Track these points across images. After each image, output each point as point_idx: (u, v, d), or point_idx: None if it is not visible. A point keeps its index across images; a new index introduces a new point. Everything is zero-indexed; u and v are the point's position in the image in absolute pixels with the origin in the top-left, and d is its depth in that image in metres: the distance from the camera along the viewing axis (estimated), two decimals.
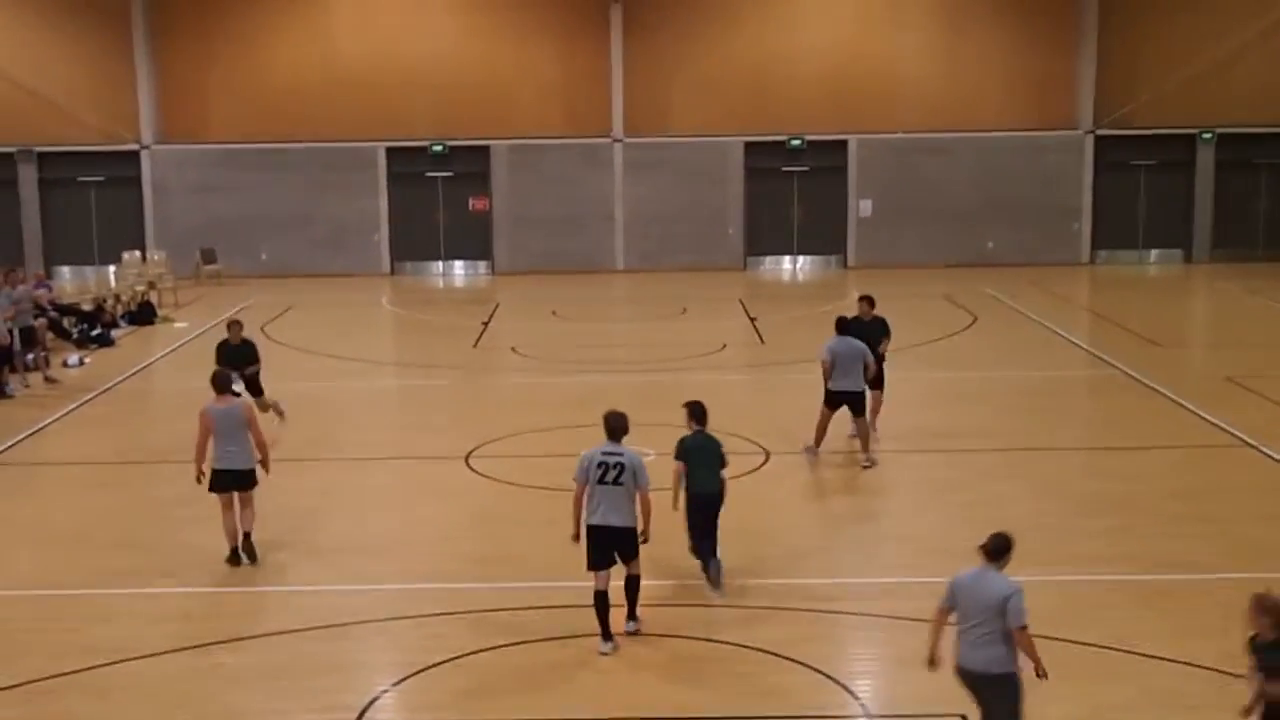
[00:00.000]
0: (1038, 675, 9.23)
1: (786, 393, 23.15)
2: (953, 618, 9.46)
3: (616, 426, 12.38)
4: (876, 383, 18.75)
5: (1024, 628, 9.11)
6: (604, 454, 12.14)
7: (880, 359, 18.61)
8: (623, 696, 11.19)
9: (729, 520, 15.82)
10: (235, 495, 14.16)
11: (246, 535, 14.23)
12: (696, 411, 14.02)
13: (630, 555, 12.15)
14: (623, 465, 12.04)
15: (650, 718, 10.77)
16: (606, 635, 11.91)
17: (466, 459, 18.51)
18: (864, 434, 17.91)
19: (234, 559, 14.11)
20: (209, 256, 37.97)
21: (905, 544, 14.89)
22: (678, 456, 13.65)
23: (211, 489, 14.18)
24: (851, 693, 11.19)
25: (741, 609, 12.97)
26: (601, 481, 12.01)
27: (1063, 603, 13.02)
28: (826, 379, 17.74)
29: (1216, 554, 14.29)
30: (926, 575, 13.83)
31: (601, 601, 11.88)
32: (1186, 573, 13.82)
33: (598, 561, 11.99)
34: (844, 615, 12.98)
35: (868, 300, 19.74)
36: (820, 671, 11.50)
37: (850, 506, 16.57)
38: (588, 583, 12.26)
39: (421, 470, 18.40)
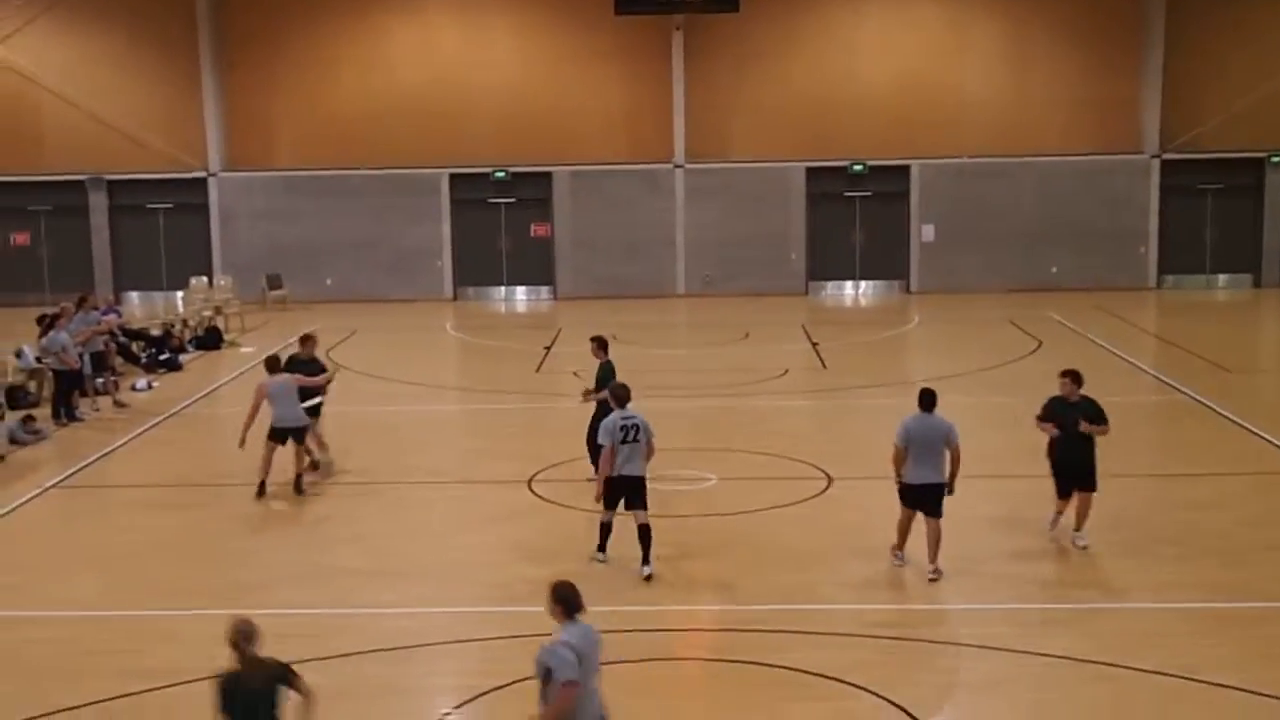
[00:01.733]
0: None
1: (848, 418, 23.07)
2: None
3: (624, 396, 14.95)
4: (1087, 480, 15.39)
5: None
6: (623, 419, 14.56)
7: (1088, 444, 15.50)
8: (705, 715, 11.16)
9: (793, 543, 15.79)
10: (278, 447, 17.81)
11: (299, 476, 18.07)
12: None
13: (641, 504, 14.51)
14: (638, 426, 14.58)
15: None
16: (602, 549, 14.90)
17: (529, 483, 18.56)
18: (933, 539, 14.51)
19: (261, 492, 17.69)
20: (275, 282, 38.34)
21: (966, 571, 14.76)
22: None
23: (268, 438, 17.90)
24: (914, 718, 11.09)
25: (803, 634, 12.91)
26: (624, 441, 14.42)
27: (1131, 630, 12.88)
28: (897, 468, 14.66)
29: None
30: (990, 603, 13.75)
31: (606, 529, 14.83)
32: (1256, 600, 13.63)
33: (612, 504, 14.66)
34: (906, 641, 12.88)
35: (1072, 377, 15.92)
36: (882, 697, 11.42)
37: (915, 533, 16.43)
38: (649, 606, 12.24)
39: (485, 494, 18.46)
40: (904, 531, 14.79)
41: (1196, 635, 12.78)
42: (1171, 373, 25.94)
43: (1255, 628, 13.00)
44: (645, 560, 14.44)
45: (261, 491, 17.73)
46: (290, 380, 18.23)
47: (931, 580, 14.29)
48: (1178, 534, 15.86)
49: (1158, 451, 21.17)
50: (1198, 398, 23.09)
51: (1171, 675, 11.75)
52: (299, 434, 18.08)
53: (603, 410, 16.12)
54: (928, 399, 14.69)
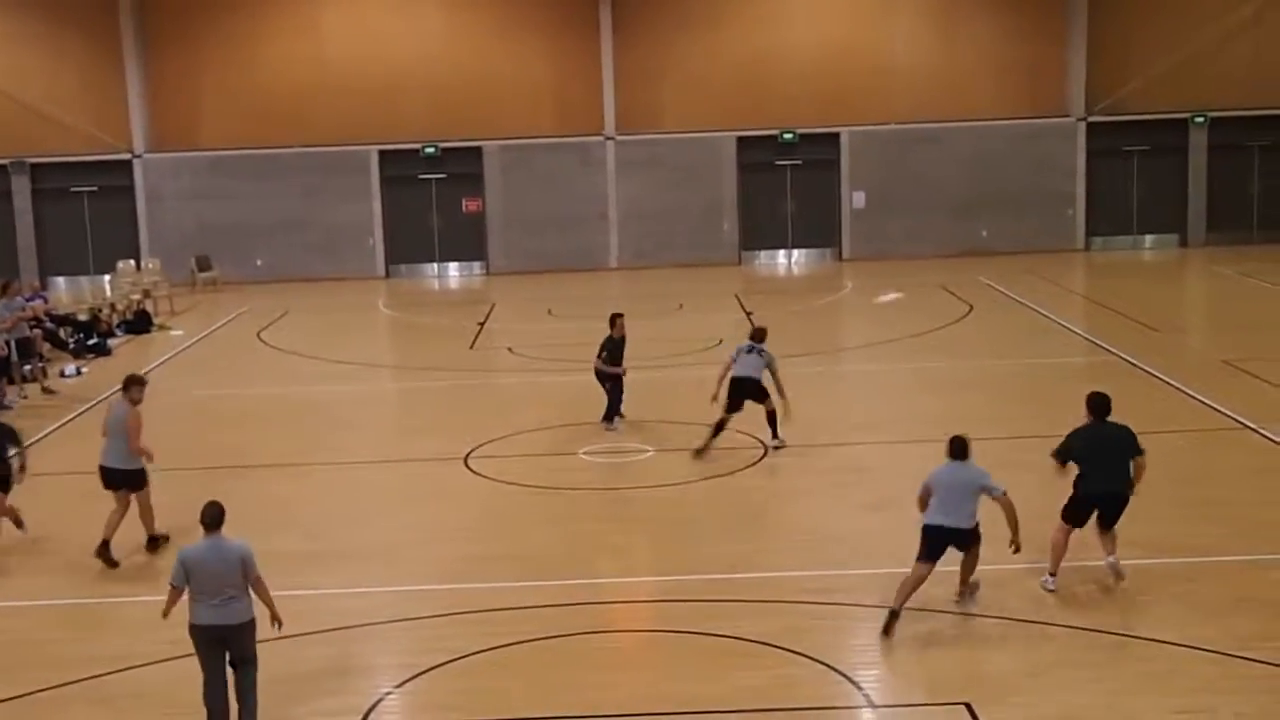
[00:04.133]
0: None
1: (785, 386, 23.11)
2: None
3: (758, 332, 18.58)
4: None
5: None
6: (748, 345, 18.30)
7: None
8: (626, 692, 11.17)
9: (731, 513, 15.84)
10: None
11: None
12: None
13: (759, 397, 18.18)
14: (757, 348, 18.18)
15: (655, 713, 10.74)
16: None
17: (465, 460, 18.49)
18: (967, 567, 12.98)
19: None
20: (204, 264, 37.93)
21: (906, 535, 14.84)
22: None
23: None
24: (855, 683, 11.17)
25: (744, 602, 12.95)
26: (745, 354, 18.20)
27: (1068, 589, 13.01)
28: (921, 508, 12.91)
29: (1221, 537, 14.28)
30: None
31: (720, 426, 17.98)
32: (1191, 556, 13.81)
33: (733, 406, 18.03)
34: (847, 607, 12.95)
35: (1099, 400, 14.13)
36: (823, 663, 11.48)
37: (852, 498, 16.52)
38: (588, 579, 12.22)
39: (421, 472, 18.38)
40: (906, 592, 12.33)
41: (1131, 592, 12.93)
42: (1100, 333, 26.20)
43: (1189, 583, 13.16)
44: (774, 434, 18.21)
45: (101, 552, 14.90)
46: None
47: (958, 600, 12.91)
48: None
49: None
50: (1126, 357, 23.34)
51: (1109, 632, 11.89)
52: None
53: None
54: (958, 448, 13.01)
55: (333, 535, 15.58)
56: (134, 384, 15.33)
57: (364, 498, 17.25)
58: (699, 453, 17.91)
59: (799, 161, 39.47)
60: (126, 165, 38.65)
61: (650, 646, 12.42)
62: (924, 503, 12.75)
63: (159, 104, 38.92)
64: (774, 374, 18.19)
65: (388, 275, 39.36)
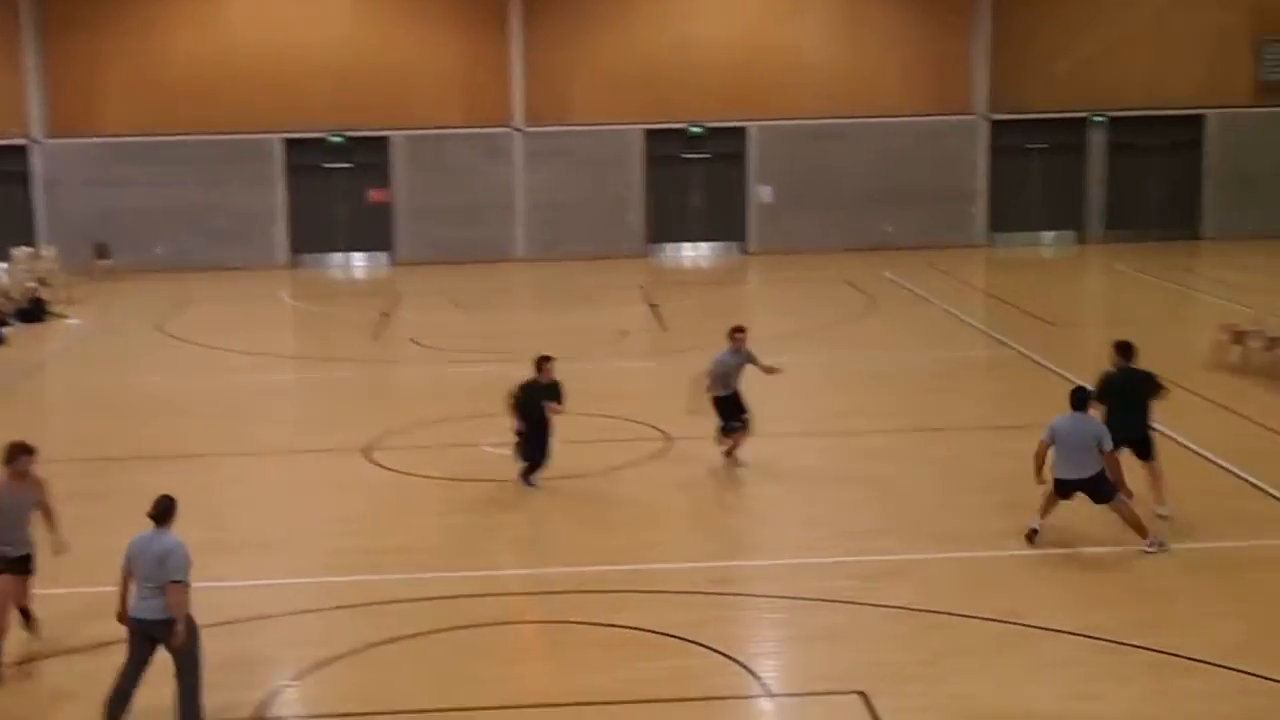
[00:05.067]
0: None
1: (687, 379, 23.22)
2: None
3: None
4: (1145, 449, 14.93)
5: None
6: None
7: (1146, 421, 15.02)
8: (524, 684, 11.19)
9: (633, 504, 15.89)
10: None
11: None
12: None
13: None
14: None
15: (553, 704, 10.77)
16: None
17: (366, 451, 18.39)
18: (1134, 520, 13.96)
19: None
20: (103, 251, 37.31)
21: (807, 526, 15.00)
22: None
23: None
24: (753, 673, 11.26)
25: (643, 593, 13.00)
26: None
27: (965, 578, 13.21)
28: (1039, 462, 13.99)
29: (1115, 528, 14.53)
30: (828, 556, 14.00)
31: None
32: (1083, 545, 14.05)
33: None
34: (746, 597, 13.05)
35: (1125, 348, 15.24)
36: (721, 653, 11.56)
37: (753, 490, 16.65)
38: (488, 571, 12.23)
39: (321, 463, 18.24)
40: (1046, 509, 14.03)
41: (1027, 581, 13.15)
42: (1000, 328, 26.57)
43: (1083, 573, 13.41)
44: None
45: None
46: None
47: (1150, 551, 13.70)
48: (1007, 483, 16.27)
49: (988, 404, 21.69)
50: (1025, 352, 23.69)
51: (1003, 621, 12.08)
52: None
53: None
54: (1079, 398, 14.00)
55: (233, 526, 15.44)
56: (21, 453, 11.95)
57: (265, 489, 17.11)
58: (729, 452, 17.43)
59: (706, 155, 39.59)
60: (22, 151, 37.93)
61: (551, 638, 12.43)
62: (1040, 459, 13.90)
63: (58, 88, 38.20)
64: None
65: (292, 265, 38.97)
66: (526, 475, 16.40)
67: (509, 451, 16.73)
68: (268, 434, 20.00)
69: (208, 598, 12.93)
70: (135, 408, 21.80)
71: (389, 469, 17.62)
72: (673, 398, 21.41)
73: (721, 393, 17.14)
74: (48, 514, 12.18)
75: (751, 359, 17.39)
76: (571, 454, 17.96)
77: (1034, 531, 14.06)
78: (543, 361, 16.56)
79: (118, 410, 21.71)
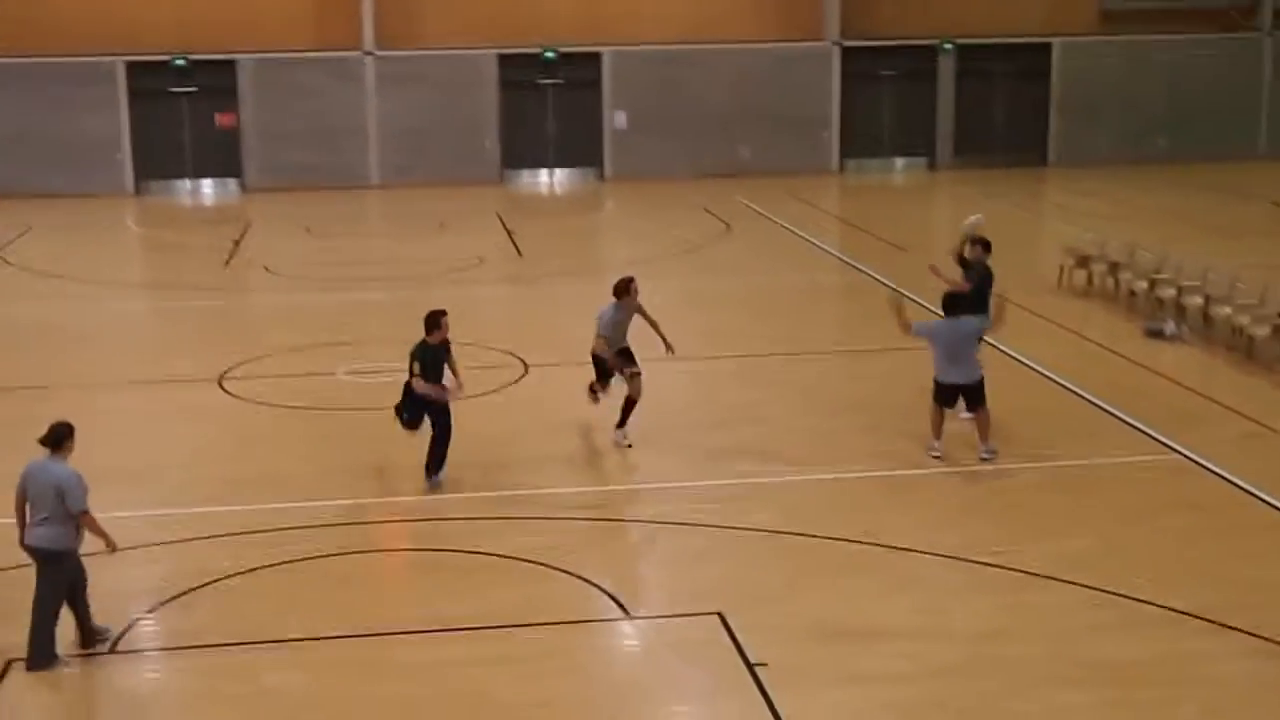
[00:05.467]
0: None
1: (545, 305, 23.22)
2: None
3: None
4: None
5: None
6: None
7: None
8: (385, 612, 11.18)
9: (492, 431, 15.88)
10: None
11: None
12: None
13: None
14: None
15: (414, 630, 10.78)
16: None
17: (220, 381, 18.11)
18: (984, 424, 14.67)
19: None
20: None
21: (667, 450, 15.13)
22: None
23: None
24: (612, 596, 11.37)
25: (503, 519, 13.03)
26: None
27: (822, 500, 13.44)
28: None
29: (959, 448, 14.88)
30: (688, 480, 14.16)
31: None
32: (933, 467, 14.37)
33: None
34: (605, 522, 13.15)
35: (983, 244, 16.55)
36: (582, 578, 11.65)
37: (611, 416, 16.71)
38: (347, 499, 12.15)
39: (173, 393, 17.92)
40: (937, 425, 14.61)
41: (882, 503, 13.43)
42: (852, 253, 26.93)
43: (934, 494, 13.72)
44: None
45: None
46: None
47: (984, 460, 14.38)
48: (862, 405, 16.58)
49: (841, 328, 22.03)
50: (877, 276, 24.05)
51: (858, 542, 12.33)
52: None
53: None
54: (951, 302, 14.78)
55: (82, 458, 15.07)
56: None
57: (118, 420, 16.75)
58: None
59: (561, 81, 39.35)
60: None
61: (412, 566, 12.43)
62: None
63: None
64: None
65: (137, 192, 38.02)
66: (432, 469, 14.01)
67: (365, 379, 16.57)
68: (117, 364, 19.58)
69: None
70: None
71: (244, 399, 17.38)
72: (531, 324, 21.43)
73: (608, 353, 15.25)
74: None
75: (645, 316, 15.57)
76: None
77: (937, 457, 14.43)
78: (436, 317, 14.06)
79: None
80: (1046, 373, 17.75)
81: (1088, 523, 12.83)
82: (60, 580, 10.24)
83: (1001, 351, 18.35)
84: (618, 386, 15.42)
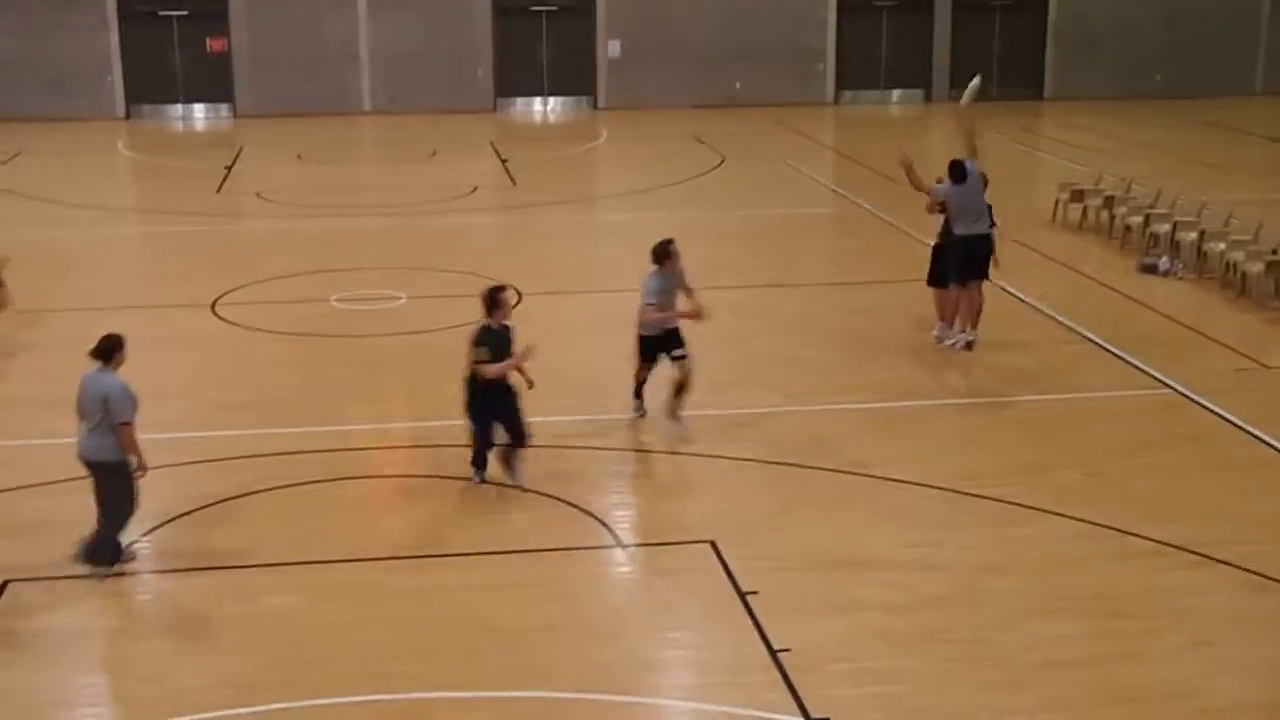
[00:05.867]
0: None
1: (538, 234, 23.15)
2: None
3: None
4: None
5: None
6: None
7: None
8: (378, 538, 11.23)
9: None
10: None
11: None
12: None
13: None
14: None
15: (406, 556, 10.84)
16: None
17: (212, 306, 18.09)
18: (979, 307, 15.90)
19: None
20: None
21: (657, 382, 15.14)
22: None
23: None
24: (605, 524, 11.43)
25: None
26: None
27: (811, 432, 13.48)
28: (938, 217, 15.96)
29: (951, 380, 14.93)
30: (680, 410, 14.16)
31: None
32: (922, 399, 14.42)
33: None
34: (598, 450, 13.19)
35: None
36: (574, 505, 11.71)
37: (603, 344, 16.70)
38: (342, 426, 12.17)
39: (166, 319, 17.89)
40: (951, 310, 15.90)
41: (872, 434, 13.48)
42: (847, 185, 26.86)
43: (924, 425, 13.78)
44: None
45: None
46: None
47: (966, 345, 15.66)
48: (854, 337, 16.60)
49: (833, 261, 22.00)
50: (869, 208, 24.00)
51: (849, 472, 12.39)
52: None
53: None
54: (958, 169, 15.63)
55: (71, 384, 15.10)
56: None
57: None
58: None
59: (555, 7, 39.06)
60: None
61: (404, 492, 12.47)
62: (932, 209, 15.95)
63: None
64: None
65: (128, 116, 37.78)
66: (507, 461, 12.16)
67: (357, 306, 16.55)
68: (110, 289, 19.54)
69: (46, 454, 12.80)
70: None
71: (237, 324, 17.36)
72: (524, 252, 21.39)
73: (653, 331, 13.46)
74: None
75: (683, 284, 13.75)
76: (422, 310, 17.89)
77: (954, 343, 15.57)
78: (496, 295, 12.21)
79: None
80: (1040, 306, 17.77)
81: (1078, 456, 12.89)
82: (118, 487, 10.40)
83: (995, 285, 18.36)
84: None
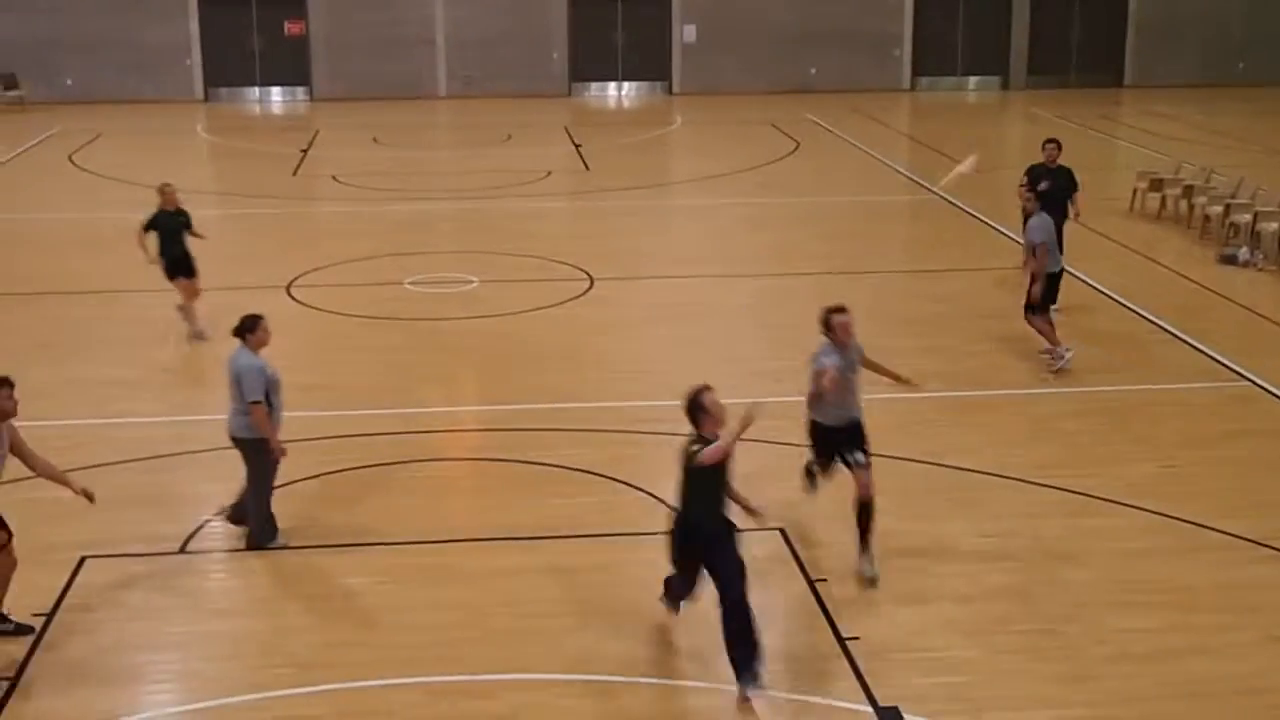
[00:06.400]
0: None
1: (610, 219, 23.16)
2: None
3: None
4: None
5: None
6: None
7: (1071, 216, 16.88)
8: (445, 520, 11.28)
9: (556, 344, 15.93)
10: None
11: None
12: None
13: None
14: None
15: (473, 538, 10.88)
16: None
17: (288, 288, 18.25)
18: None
19: None
20: (9, 82, 36.32)
21: (731, 365, 15.12)
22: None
23: None
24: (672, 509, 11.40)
25: (566, 431, 13.10)
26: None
27: (882, 420, 13.37)
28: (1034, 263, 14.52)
29: (1026, 371, 14.79)
30: (748, 396, 14.11)
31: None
32: (998, 389, 14.30)
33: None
34: (665, 436, 13.15)
35: (1055, 144, 17.28)
36: (641, 489, 11.71)
37: (673, 331, 16.71)
38: (411, 409, 12.24)
39: (242, 300, 17.90)
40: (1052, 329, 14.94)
41: (943, 423, 13.38)
42: (922, 173, 26.65)
43: (995, 413, 13.66)
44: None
45: None
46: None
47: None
48: (927, 325, 16.49)
49: (909, 248, 21.85)
50: (945, 197, 23.81)
51: (921, 461, 12.32)
52: None
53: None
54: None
55: (148, 362, 15.33)
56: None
57: (182, 325, 16.92)
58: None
59: None
60: None
61: (474, 474, 12.53)
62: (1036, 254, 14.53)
63: None
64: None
65: (206, 99, 38.18)
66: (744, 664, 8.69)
67: (430, 289, 16.60)
68: None
69: (123, 433, 12.97)
70: (44, 242, 21.43)
71: (311, 306, 17.51)
72: (595, 238, 21.41)
73: (829, 418, 10.60)
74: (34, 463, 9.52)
75: (863, 357, 10.82)
76: (494, 293, 17.96)
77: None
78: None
79: (25, 244, 21.34)
80: (1116, 297, 17.56)
81: (1152, 448, 12.74)
82: (256, 465, 10.58)
83: (1071, 274, 18.17)
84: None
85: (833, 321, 10.42)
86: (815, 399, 10.37)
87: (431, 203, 24.25)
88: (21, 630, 9.40)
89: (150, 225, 16.01)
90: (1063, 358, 14.67)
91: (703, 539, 8.81)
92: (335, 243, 21.13)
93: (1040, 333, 14.83)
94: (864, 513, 10.34)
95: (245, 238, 22.25)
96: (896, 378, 11.02)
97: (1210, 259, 19.54)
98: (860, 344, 10.65)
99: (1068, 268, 16.01)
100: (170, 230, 15.97)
